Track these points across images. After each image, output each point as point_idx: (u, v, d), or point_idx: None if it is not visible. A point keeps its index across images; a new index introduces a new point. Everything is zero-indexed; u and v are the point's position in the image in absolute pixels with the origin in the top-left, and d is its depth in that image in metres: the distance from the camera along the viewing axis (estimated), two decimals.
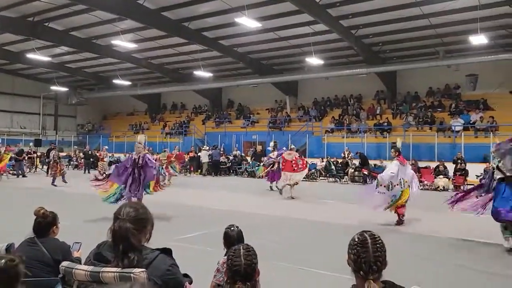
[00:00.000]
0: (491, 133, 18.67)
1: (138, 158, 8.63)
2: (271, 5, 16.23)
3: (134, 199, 8.17)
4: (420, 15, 16.59)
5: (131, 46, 20.65)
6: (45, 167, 21.64)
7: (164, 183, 11.90)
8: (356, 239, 1.79)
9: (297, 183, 12.77)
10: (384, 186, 8.23)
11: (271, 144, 15.09)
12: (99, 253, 1.91)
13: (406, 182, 8.39)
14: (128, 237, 1.81)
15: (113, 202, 8.37)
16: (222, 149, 24.44)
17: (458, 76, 22.19)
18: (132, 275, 1.72)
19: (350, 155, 20.44)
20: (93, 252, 1.95)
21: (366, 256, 1.73)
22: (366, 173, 18.78)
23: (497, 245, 6.83)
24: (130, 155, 9.03)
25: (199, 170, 22.93)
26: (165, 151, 18.70)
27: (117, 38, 19.44)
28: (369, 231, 1.83)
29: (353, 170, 19.40)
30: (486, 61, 19.16)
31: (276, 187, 13.91)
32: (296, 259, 5.75)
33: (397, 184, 8.25)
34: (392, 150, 9.02)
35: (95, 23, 19.32)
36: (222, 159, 23.17)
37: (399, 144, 9.92)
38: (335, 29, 17.98)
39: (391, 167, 8.65)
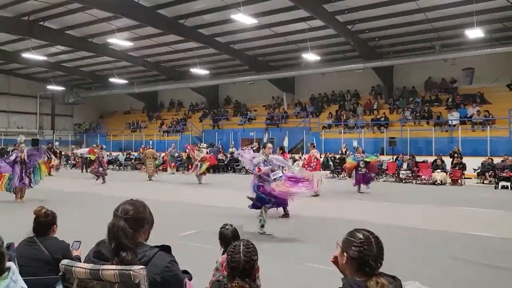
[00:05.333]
0: (488, 126, 18.75)
1: (22, 156, 10.45)
2: (267, 1, 16.21)
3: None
4: (416, 9, 16.60)
5: (127, 44, 20.60)
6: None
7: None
8: (361, 237, 1.80)
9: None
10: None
11: (355, 143, 14.59)
12: (98, 251, 1.91)
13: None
14: (119, 236, 1.82)
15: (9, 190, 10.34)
16: (220, 146, 24.44)
17: (455, 70, 22.24)
18: (131, 272, 1.73)
19: (347, 151, 20.47)
20: (93, 250, 1.96)
21: (372, 253, 1.76)
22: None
23: (496, 238, 6.88)
24: (16, 153, 10.68)
25: None
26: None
27: (113, 36, 19.38)
28: (365, 229, 1.86)
29: None
30: (483, 54, 19.19)
31: (359, 191, 13.13)
32: (294, 255, 5.77)
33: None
34: (278, 147, 9.91)
35: (91, 22, 19.27)
36: (220, 156, 23.18)
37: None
38: (331, 24, 17.98)
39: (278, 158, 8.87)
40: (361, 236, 1.80)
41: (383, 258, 1.79)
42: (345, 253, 1.81)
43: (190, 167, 22.66)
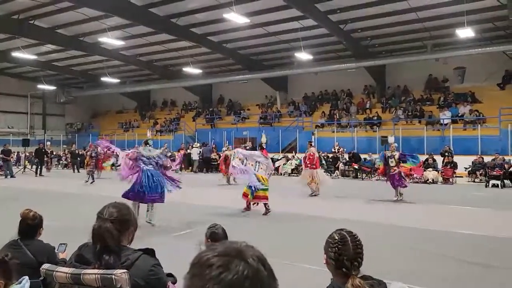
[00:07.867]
0: (479, 125, 18.88)
1: None
2: (259, 0, 16.17)
3: None
4: (407, 9, 16.67)
5: (119, 43, 20.45)
6: (34, 167, 21.41)
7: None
8: (336, 238, 1.81)
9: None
10: (239, 159, 9.35)
11: (391, 139, 12.89)
12: (80, 254, 1.89)
13: (261, 169, 9.34)
14: (105, 238, 1.80)
15: None
16: (213, 145, 24.38)
17: (446, 69, 22.37)
18: (113, 276, 1.70)
19: (340, 150, 20.53)
20: (75, 253, 1.93)
21: (348, 253, 1.76)
22: (356, 167, 18.89)
23: (482, 236, 6.92)
24: None
25: (190, 167, 22.84)
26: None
27: (105, 35, 19.23)
28: (345, 229, 1.86)
29: (343, 165, 19.51)
30: (474, 54, 19.31)
31: (399, 194, 11.49)
32: (281, 254, 5.75)
33: (252, 164, 9.30)
34: (258, 145, 10.18)
35: (82, 21, 19.09)
36: (213, 155, 23.12)
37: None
38: (324, 24, 18.00)
39: (255, 152, 9.82)
40: (336, 236, 1.82)
41: (361, 258, 1.79)
42: (325, 255, 1.83)
43: (184, 165, 22.63)
